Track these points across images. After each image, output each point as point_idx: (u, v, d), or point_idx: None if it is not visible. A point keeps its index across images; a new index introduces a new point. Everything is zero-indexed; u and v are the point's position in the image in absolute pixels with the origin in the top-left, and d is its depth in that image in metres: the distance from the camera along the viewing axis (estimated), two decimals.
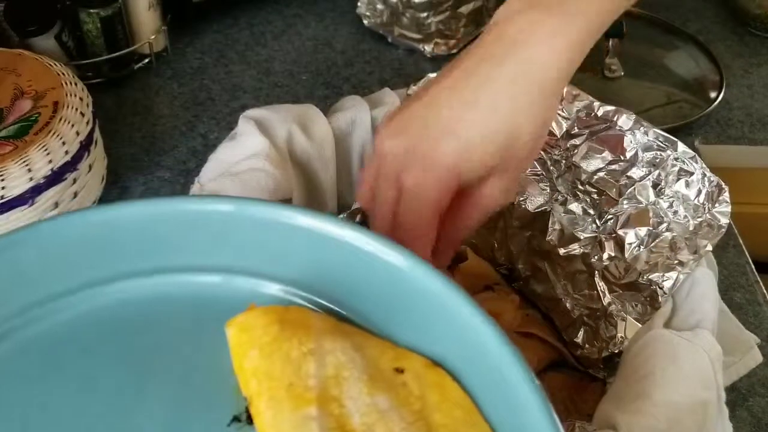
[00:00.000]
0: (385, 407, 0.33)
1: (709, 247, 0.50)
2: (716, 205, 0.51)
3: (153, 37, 0.80)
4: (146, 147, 0.73)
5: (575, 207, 0.54)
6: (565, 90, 0.54)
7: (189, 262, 0.39)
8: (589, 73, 0.82)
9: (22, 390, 0.35)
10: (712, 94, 0.81)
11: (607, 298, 0.51)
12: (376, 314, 0.38)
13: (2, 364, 0.36)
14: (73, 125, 0.61)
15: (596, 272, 0.52)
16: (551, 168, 0.55)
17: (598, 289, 0.51)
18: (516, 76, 0.41)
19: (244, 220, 0.39)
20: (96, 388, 0.35)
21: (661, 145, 0.52)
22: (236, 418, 0.34)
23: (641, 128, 0.53)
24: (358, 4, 0.87)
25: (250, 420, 0.33)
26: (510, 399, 0.33)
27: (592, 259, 0.52)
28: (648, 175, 0.52)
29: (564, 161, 0.54)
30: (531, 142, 0.43)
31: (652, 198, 0.52)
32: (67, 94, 0.63)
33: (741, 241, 0.67)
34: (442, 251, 0.45)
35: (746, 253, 0.66)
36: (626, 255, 0.51)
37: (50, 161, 0.59)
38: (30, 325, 0.38)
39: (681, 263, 0.50)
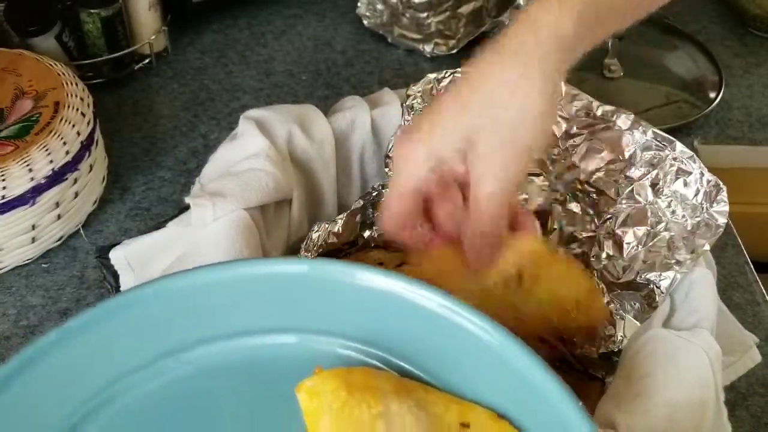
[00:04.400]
0: None
1: (707, 247, 0.50)
2: (714, 204, 0.51)
3: (153, 37, 0.80)
4: (147, 147, 0.73)
5: (574, 207, 0.54)
6: (564, 90, 0.54)
7: (262, 324, 0.41)
8: (589, 73, 0.82)
9: None
10: (712, 94, 0.81)
11: (605, 298, 0.51)
12: (440, 369, 0.39)
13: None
14: (73, 125, 0.62)
15: (595, 272, 0.52)
16: (550, 168, 0.55)
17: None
18: (519, 79, 0.43)
19: (316, 281, 0.41)
20: None
21: (660, 144, 0.53)
22: None
23: (640, 128, 0.53)
24: (358, 4, 0.87)
25: None
26: None
27: (591, 259, 0.52)
28: (646, 174, 0.52)
29: (563, 161, 0.54)
30: (538, 138, 0.43)
31: (651, 198, 0.52)
32: (67, 95, 0.63)
33: (740, 241, 0.67)
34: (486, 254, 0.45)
35: (745, 252, 0.66)
36: (624, 254, 0.51)
37: (51, 161, 0.59)
38: (118, 396, 0.39)
39: (679, 263, 0.50)
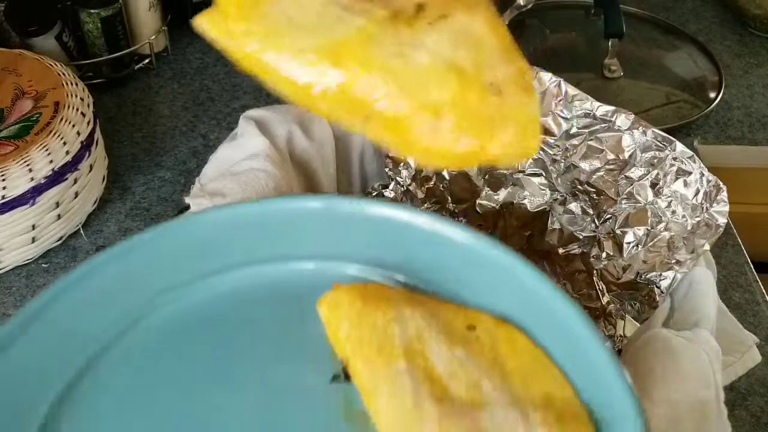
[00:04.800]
0: (464, 358, 0.37)
1: (707, 247, 0.50)
2: (714, 204, 0.51)
3: (153, 37, 0.80)
4: (147, 147, 0.73)
5: (574, 207, 0.54)
6: (564, 90, 0.54)
7: (283, 252, 0.45)
8: (589, 74, 0.82)
9: (155, 365, 0.40)
10: (712, 95, 0.81)
11: (605, 298, 0.51)
12: (447, 284, 0.42)
13: (138, 345, 0.41)
14: (74, 125, 0.62)
15: (595, 272, 0.52)
16: (550, 168, 0.55)
17: (597, 288, 0.52)
18: None
19: (329, 214, 0.44)
20: (215, 357, 0.41)
21: (660, 145, 0.53)
22: (336, 377, 0.39)
23: (640, 128, 0.53)
24: None
25: (347, 378, 0.38)
26: (575, 346, 0.36)
27: (591, 259, 0.52)
28: (646, 174, 0.52)
29: (563, 161, 0.54)
30: None
31: (651, 198, 0.52)
32: (67, 95, 0.63)
33: (740, 241, 0.67)
34: None
35: (745, 252, 0.66)
36: (624, 254, 0.51)
37: (51, 161, 0.59)
38: (156, 311, 0.43)
39: (679, 263, 0.50)
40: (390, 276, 0.43)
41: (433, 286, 0.42)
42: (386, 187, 0.58)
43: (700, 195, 0.51)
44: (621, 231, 0.51)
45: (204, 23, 0.36)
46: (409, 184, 0.57)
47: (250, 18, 0.35)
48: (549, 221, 0.54)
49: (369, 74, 0.33)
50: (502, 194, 0.56)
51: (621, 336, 0.50)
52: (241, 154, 0.55)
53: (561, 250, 0.53)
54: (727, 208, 0.51)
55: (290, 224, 0.45)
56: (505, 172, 0.56)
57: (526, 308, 0.39)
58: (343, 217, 0.44)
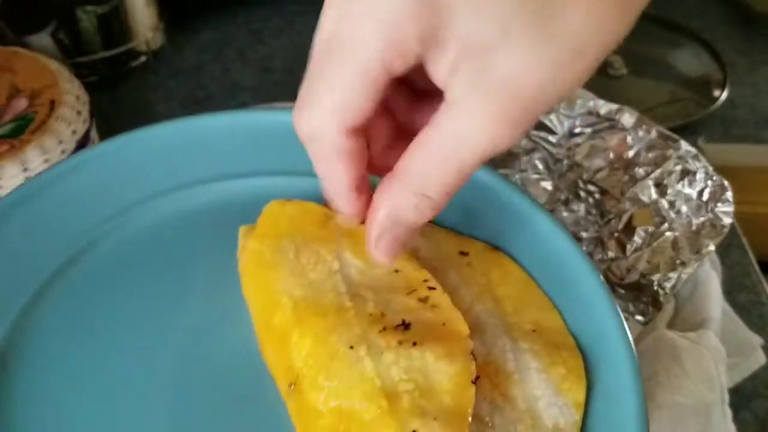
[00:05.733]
0: (455, 282, 0.38)
1: (712, 247, 0.50)
2: (719, 204, 0.50)
3: (150, 34, 0.79)
4: None
5: (577, 206, 0.53)
6: None
7: (253, 168, 0.44)
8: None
9: (107, 285, 0.40)
10: (716, 93, 0.81)
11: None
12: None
13: (97, 264, 0.41)
14: (69, 124, 0.61)
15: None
16: (553, 167, 0.54)
17: None
18: None
19: None
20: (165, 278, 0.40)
21: (664, 143, 0.52)
22: None
23: (644, 127, 0.53)
24: None
25: None
26: (565, 275, 0.37)
27: (595, 259, 0.52)
28: (650, 174, 0.52)
29: (566, 160, 0.54)
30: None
31: (655, 197, 0.51)
32: (63, 93, 0.62)
33: (745, 241, 0.66)
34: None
35: (750, 253, 0.65)
36: (628, 255, 0.50)
37: (47, 160, 0.58)
38: (106, 236, 0.42)
39: (683, 263, 0.49)
40: None
41: None
42: None
43: (705, 194, 0.51)
44: (625, 231, 0.51)
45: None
46: None
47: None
48: None
49: (309, 345, 0.33)
50: None
51: None
52: None
53: None
54: (732, 208, 0.50)
55: (262, 138, 0.44)
56: (506, 171, 0.55)
57: (517, 236, 0.39)
58: None
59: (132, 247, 0.42)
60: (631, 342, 0.34)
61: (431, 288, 0.35)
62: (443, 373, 0.31)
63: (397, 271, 0.36)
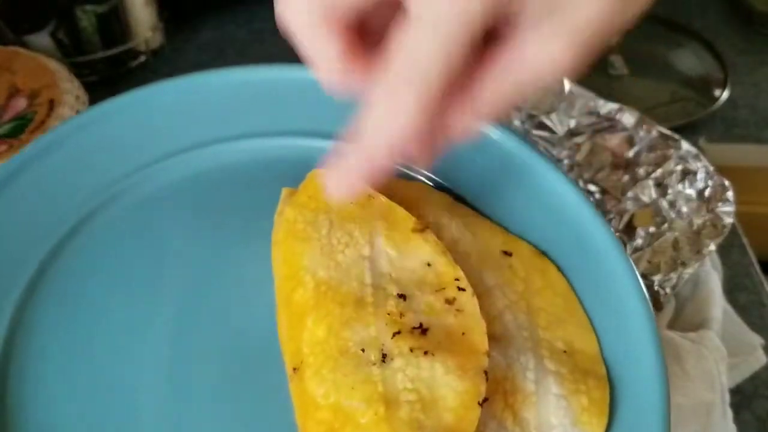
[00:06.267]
0: (491, 284, 0.35)
1: (713, 247, 0.50)
2: (720, 204, 0.50)
3: (150, 34, 0.79)
4: None
5: None
6: (566, 88, 0.54)
7: (296, 126, 0.42)
8: (593, 71, 0.82)
9: (137, 238, 0.40)
10: (717, 92, 0.80)
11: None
12: (492, 201, 0.40)
13: (118, 220, 0.40)
14: None
15: None
16: None
17: None
18: None
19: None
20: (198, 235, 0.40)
21: (665, 143, 0.52)
22: None
23: (644, 126, 0.53)
24: None
25: None
26: (614, 300, 0.34)
27: None
28: (651, 173, 0.52)
29: (566, 160, 0.54)
30: None
31: (655, 197, 0.51)
32: (62, 92, 0.62)
33: (746, 241, 0.66)
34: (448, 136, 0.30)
35: (751, 253, 0.65)
36: (629, 255, 0.50)
37: None
38: (137, 186, 0.42)
39: (684, 263, 0.49)
40: (435, 180, 0.41)
41: (479, 199, 0.40)
42: None
43: (706, 194, 0.51)
44: (625, 231, 0.51)
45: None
46: None
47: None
48: None
49: (321, 334, 0.32)
50: None
51: None
52: None
53: None
54: (733, 208, 0.50)
55: (299, 94, 0.41)
56: None
57: (568, 247, 0.37)
58: None
59: (169, 200, 0.41)
60: (667, 386, 0.31)
61: (461, 289, 0.33)
62: (450, 388, 0.30)
63: (429, 264, 0.34)
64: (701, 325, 0.47)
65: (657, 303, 0.49)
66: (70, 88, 0.63)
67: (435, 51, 0.25)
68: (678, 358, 0.44)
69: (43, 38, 0.73)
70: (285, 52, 0.89)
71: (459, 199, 0.40)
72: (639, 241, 0.50)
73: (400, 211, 0.35)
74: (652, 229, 0.50)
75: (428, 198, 0.39)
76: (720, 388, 0.44)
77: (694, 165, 0.51)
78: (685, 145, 0.52)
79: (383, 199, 0.36)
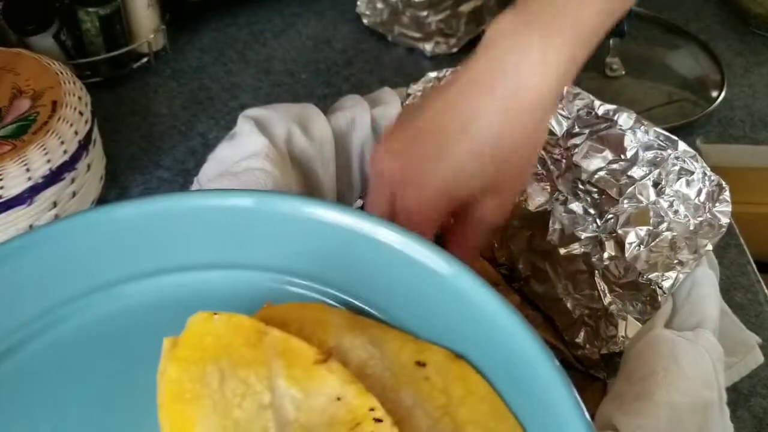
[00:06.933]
0: (410, 404, 0.33)
1: (710, 247, 0.50)
2: (717, 204, 0.51)
3: (152, 36, 0.80)
4: (145, 146, 0.73)
5: (576, 206, 0.53)
6: (565, 89, 0.54)
7: (207, 260, 0.39)
8: (590, 72, 0.82)
9: (37, 393, 0.35)
10: (714, 93, 0.81)
11: (607, 298, 0.51)
12: (395, 307, 0.37)
13: (25, 368, 0.36)
14: (71, 125, 0.61)
15: (596, 272, 0.51)
16: (551, 167, 0.55)
17: (599, 288, 0.51)
18: (507, 103, 0.42)
19: (263, 215, 0.38)
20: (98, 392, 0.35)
21: (662, 144, 0.52)
22: None
23: (642, 127, 0.53)
24: (358, 3, 0.87)
25: None
26: (539, 396, 0.32)
27: (593, 259, 0.52)
28: (648, 174, 0.52)
29: (564, 160, 0.54)
30: (523, 161, 0.45)
31: (653, 197, 0.51)
32: (65, 94, 0.62)
33: (742, 241, 0.66)
34: None
35: (748, 253, 0.66)
36: (626, 254, 0.51)
37: (49, 161, 0.59)
38: (43, 332, 0.37)
39: (681, 263, 0.50)
40: (332, 293, 0.38)
41: (381, 309, 0.37)
42: None
43: (703, 194, 0.51)
44: (623, 231, 0.51)
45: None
46: None
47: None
48: (550, 221, 0.54)
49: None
50: None
51: (623, 337, 0.50)
52: (240, 154, 0.55)
53: (562, 251, 0.53)
54: (729, 208, 0.51)
55: (214, 224, 0.39)
56: None
57: (482, 342, 0.34)
58: (279, 218, 0.38)
59: (51, 357, 0.37)
60: None
61: (377, 420, 0.30)
62: None
63: (339, 398, 0.31)
64: (698, 324, 0.47)
65: (654, 302, 0.50)
66: (72, 89, 0.64)
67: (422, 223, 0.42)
68: (675, 357, 0.44)
69: (46, 40, 0.73)
70: (285, 54, 0.90)
71: (360, 312, 0.38)
72: (636, 241, 0.51)
73: (297, 343, 0.33)
74: (649, 229, 0.51)
75: (327, 318, 0.36)
76: (717, 386, 0.44)
77: (691, 165, 0.51)
78: (682, 146, 0.52)
79: (276, 333, 0.33)
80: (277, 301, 0.36)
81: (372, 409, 0.31)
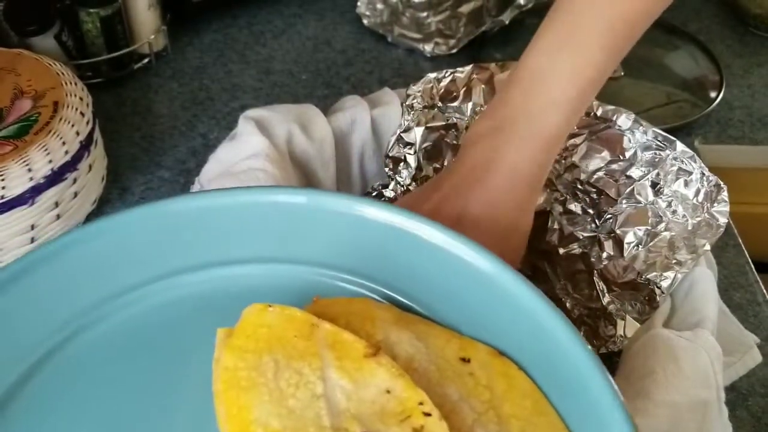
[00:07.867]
0: (455, 398, 0.33)
1: (708, 247, 0.50)
2: (715, 204, 0.51)
3: (153, 36, 0.80)
4: (146, 147, 0.73)
5: (574, 207, 0.54)
6: None
7: (258, 254, 0.40)
8: None
9: (93, 379, 0.36)
10: (712, 94, 0.81)
11: (606, 298, 0.51)
12: (438, 304, 0.38)
13: (81, 356, 0.37)
14: (73, 125, 0.61)
15: (595, 272, 0.52)
16: (550, 168, 0.55)
17: (598, 288, 0.51)
18: (502, 188, 0.47)
19: (314, 213, 0.39)
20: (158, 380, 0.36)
21: (660, 144, 0.53)
22: None
23: (640, 128, 0.53)
24: (358, 3, 0.87)
25: None
26: (580, 392, 0.32)
27: (592, 259, 0.52)
28: (647, 174, 0.52)
29: (563, 161, 0.54)
30: (526, 231, 0.48)
31: (651, 197, 0.52)
32: (66, 94, 0.63)
33: (741, 241, 0.67)
34: None
35: (746, 252, 0.66)
36: (625, 254, 0.51)
37: (50, 161, 0.59)
38: (98, 322, 0.38)
39: (679, 263, 0.50)
40: (379, 290, 0.39)
41: (426, 306, 0.38)
42: (386, 186, 0.58)
43: (701, 195, 0.51)
44: (621, 231, 0.51)
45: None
46: (409, 184, 0.57)
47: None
48: (549, 221, 0.54)
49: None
50: None
51: (621, 336, 0.50)
52: (241, 154, 0.55)
53: (561, 250, 0.53)
54: (727, 208, 0.51)
55: (266, 220, 0.40)
56: None
57: (525, 340, 0.35)
58: (329, 216, 0.39)
59: (105, 347, 0.38)
60: None
61: (426, 414, 0.31)
62: None
63: (388, 391, 0.32)
64: (697, 324, 0.47)
65: (653, 302, 0.50)
66: (74, 90, 0.64)
67: None
68: (674, 356, 0.45)
69: (47, 41, 0.73)
70: (285, 54, 0.90)
71: (405, 308, 0.38)
72: (635, 241, 0.51)
73: (348, 336, 0.33)
74: (648, 229, 0.51)
75: (374, 313, 0.36)
76: (715, 386, 0.44)
77: (689, 166, 0.51)
78: (681, 146, 0.52)
79: (328, 326, 0.34)
80: (326, 295, 0.37)
81: (421, 403, 0.31)
